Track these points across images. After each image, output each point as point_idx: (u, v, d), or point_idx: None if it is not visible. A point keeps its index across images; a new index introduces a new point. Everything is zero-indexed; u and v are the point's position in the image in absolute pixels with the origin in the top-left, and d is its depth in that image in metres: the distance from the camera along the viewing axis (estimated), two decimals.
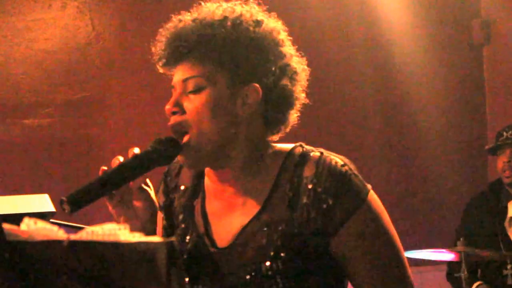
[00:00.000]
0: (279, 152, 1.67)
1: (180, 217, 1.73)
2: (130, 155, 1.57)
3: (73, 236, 0.87)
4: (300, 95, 1.70)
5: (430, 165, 5.35)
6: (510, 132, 4.35)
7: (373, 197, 1.63)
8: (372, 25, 5.22)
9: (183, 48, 1.63)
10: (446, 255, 4.09)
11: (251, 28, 1.63)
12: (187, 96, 1.63)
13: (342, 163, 1.62)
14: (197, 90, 1.62)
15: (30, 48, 4.59)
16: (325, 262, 1.62)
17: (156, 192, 1.75)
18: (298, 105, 1.70)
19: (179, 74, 1.65)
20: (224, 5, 1.67)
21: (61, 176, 4.55)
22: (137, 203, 1.64)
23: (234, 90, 1.62)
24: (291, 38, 1.71)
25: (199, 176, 1.75)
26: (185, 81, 1.63)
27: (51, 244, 0.86)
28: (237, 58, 1.61)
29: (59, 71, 4.63)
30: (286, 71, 1.67)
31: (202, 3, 1.68)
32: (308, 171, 1.62)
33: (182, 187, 1.76)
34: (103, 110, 4.70)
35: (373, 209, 1.62)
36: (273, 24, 1.68)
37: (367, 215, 1.61)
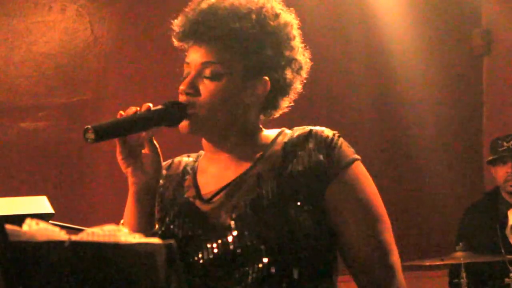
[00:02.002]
0: (270, 132, 1.78)
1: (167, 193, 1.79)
2: (144, 108, 1.63)
3: (74, 237, 0.88)
4: (298, 86, 1.78)
5: (426, 173, 5.36)
6: (511, 142, 4.32)
7: (360, 165, 1.73)
8: (371, 33, 5.22)
9: (207, 33, 1.68)
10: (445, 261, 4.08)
11: (271, 23, 1.71)
12: (203, 80, 1.69)
13: (333, 132, 1.74)
14: (214, 77, 1.68)
15: (30, 51, 4.59)
16: (314, 215, 1.67)
17: None
18: (292, 95, 1.79)
19: (198, 55, 1.70)
20: None
21: (57, 179, 4.55)
22: (145, 158, 1.68)
23: (247, 81, 1.69)
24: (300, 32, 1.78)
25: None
26: (203, 64, 1.68)
27: (53, 245, 0.87)
28: (256, 51, 1.68)
29: (57, 74, 4.63)
30: (292, 64, 1.75)
31: None
32: (299, 138, 1.73)
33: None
34: (100, 114, 4.70)
35: (358, 174, 1.72)
36: (288, 18, 1.76)
37: (352, 177, 1.70)
